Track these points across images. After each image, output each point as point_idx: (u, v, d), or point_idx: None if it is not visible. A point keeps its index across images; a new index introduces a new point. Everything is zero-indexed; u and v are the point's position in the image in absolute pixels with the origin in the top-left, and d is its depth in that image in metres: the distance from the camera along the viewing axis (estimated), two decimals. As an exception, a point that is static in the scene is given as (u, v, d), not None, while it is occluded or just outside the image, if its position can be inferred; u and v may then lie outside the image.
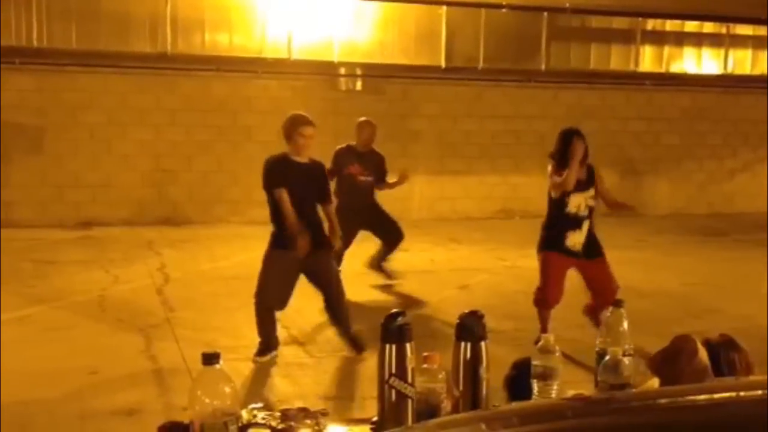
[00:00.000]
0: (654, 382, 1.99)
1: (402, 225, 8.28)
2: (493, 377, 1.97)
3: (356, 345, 5.82)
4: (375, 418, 1.91)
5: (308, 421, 1.90)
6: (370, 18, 12.16)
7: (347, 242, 7.23)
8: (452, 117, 12.94)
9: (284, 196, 5.53)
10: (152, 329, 6.43)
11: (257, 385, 5.33)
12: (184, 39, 11.42)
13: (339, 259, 7.14)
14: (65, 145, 11.38)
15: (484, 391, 1.94)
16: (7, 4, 10.61)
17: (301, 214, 5.57)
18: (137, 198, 11.72)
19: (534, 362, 1.96)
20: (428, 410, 1.86)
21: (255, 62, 11.65)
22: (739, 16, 13.11)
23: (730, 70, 13.94)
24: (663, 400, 1.54)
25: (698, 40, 13.82)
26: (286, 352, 5.93)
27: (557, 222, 6.04)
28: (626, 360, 1.96)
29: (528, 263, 9.52)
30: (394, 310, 1.88)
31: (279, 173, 5.63)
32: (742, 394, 1.50)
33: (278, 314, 5.91)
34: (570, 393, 1.96)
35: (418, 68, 12.39)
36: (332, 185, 6.84)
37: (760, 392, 1.48)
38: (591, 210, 6.08)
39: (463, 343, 1.94)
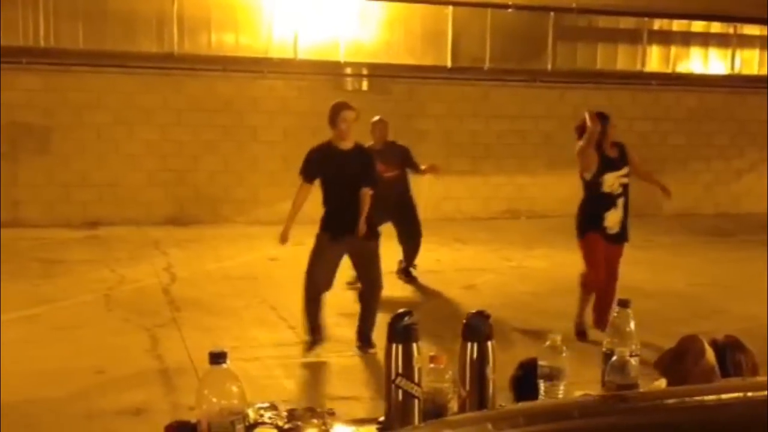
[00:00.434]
0: (661, 383, 1.99)
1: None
2: (499, 377, 1.97)
3: (368, 343, 5.85)
4: (382, 418, 1.91)
5: (315, 421, 1.90)
6: (376, 18, 12.16)
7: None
8: (458, 117, 12.93)
9: (304, 188, 5.82)
10: (159, 329, 6.44)
11: (264, 384, 5.33)
12: (191, 39, 11.43)
13: None
14: (72, 144, 11.41)
15: (490, 391, 1.94)
16: (14, 4, 10.63)
17: (342, 200, 5.72)
18: (144, 198, 11.74)
19: (541, 362, 1.96)
20: (435, 410, 1.86)
21: (261, 62, 11.66)
22: (746, 16, 13.07)
23: (737, 70, 13.90)
24: (670, 401, 1.54)
25: (705, 40, 13.78)
26: (292, 352, 5.94)
27: (594, 203, 6.13)
28: (633, 360, 1.96)
29: (534, 263, 9.55)
30: (401, 310, 1.88)
31: (315, 162, 5.80)
32: (749, 394, 1.50)
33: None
34: (577, 393, 1.96)
35: (424, 68, 12.38)
36: None
37: (767, 393, 1.47)
38: (625, 188, 6.15)
39: (469, 343, 1.94)
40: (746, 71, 13.95)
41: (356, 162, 5.79)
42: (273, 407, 1.95)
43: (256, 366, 5.59)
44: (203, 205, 11.95)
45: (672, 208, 13.59)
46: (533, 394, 1.96)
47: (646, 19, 13.22)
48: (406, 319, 1.86)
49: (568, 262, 9.51)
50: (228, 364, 1.68)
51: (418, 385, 1.84)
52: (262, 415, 1.90)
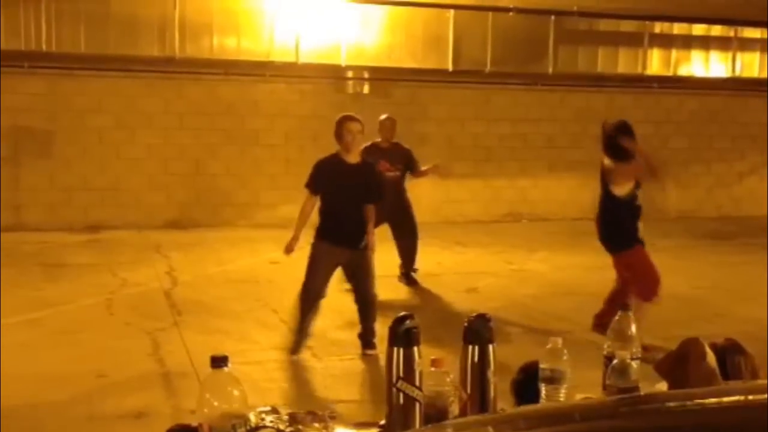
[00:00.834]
0: (662, 386, 1.99)
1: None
2: (500, 381, 1.97)
3: (369, 345, 5.89)
4: (383, 422, 1.91)
5: (316, 425, 1.90)
6: (378, 21, 12.17)
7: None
8: (460, 120, 12.94)
9: (311, 200, 5.86)
10: (160, 332, 6.44)
11: (265, 387, 5.33)
12: (192, 43, 11.45)
13: None
14: (74, 148, 11.43)
15: (491, 395, 1.94)
16: (16, 9, 10.65)
17: (344, 212, 5.76)
18: (145, 201, 11.75)
19: (542, 366, 1.96)
20: (436, 414, 1.86)
21: (263, 66, 11.67)
22: (747, 19, 13.07)
23: (738, 73, 13.90)
24: (671, 404, 1.54)
25: (706, 43, 13.79)
26: (295, 356, 5.93)
27: (631, 215, 6.10)
28: (634, 364, 1.96)
29: (535, 266, 9.55)
30: (402, 314, 1.88)
31: (322, 175, 5.83)
32: (750, 397, 1.50)
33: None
34: (578, 396, 1.96)
35: (425, 71, 12.39)
36: None
37: (768, 396, 1.47)
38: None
39: (470, 347, 1.94)
40: (747, 74, 13.95)
41: (362, 177, 5.84)
42: (274, 411, 1.95)
43: (257, 369, 5.59)
44: (205, 209, 11.96)
45: (673, 210, 13.63)
46: (534, 397, 1.96)
47: (647, 22, 13.22)
48: (408, 322, 1.86)
49: (569, 265, 9.55)
50: (229, 368, 1.68)
51: (419, 388, 1.84)
52: (263, 419, 1.90)
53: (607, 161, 6.15)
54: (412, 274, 8.34)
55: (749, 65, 13.99)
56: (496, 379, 1.94)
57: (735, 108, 14.20)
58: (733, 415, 1.42)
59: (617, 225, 6.15)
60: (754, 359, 2.09)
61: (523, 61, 12.88)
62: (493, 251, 10.43)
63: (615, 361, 1.93)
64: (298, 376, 5.67)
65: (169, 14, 11.23)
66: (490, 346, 1.94)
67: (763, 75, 13.96)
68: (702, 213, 14.01)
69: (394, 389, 1.84)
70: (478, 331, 1.95)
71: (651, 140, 13.72)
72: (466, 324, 1.96)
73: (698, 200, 14.20)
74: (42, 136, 11.29)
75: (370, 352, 5.87)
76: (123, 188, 11.68)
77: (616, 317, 2.12)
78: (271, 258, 8.88)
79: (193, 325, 6.66)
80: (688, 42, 13.72)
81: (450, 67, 12.40)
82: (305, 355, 5.98)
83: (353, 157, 5.83)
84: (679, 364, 1.97)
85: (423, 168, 8.35)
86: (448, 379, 1.89)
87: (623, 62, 13.38)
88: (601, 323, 5.94)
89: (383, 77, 12.31)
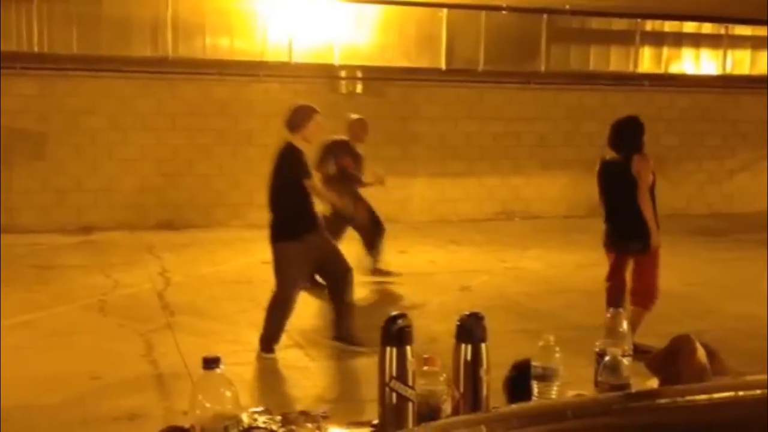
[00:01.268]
0: (653, 383, 1.99)
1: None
2: (493, 379, 1.97)
3: (351, 341, 5.90)
4: (376, 421, 1.91)
5: (309, 425, 1.90)
6: (371, 21, 12.17)
7: (338, 238, 7.33)
8: (453, 119, 12.95)
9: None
10: (153, 334, 6.43)
11: (258, 388, 5.33)
12: (185, 43, 11.43)
13: None
14: (66, 150, 11.40)
15: (484, 393, 1.94)
16: (8, 10, 10.62)
17: (308, 200, 5.76)
18: (138, 202, 11.73)
19: (534, 363, 1.97)
20: (429, 413, 1.86)
21: (256, 66, 11.66)
22: (738, 17, 13.11)
23: (729, 70, 13.95)
24: (662, 400, 1.54)
25: (697, 40, 13.83)
26: (286, 356, 5.94)
27: (654, 214, 5.94)
28: (626, 361, 1.97)
29: (528, 264, 9.56)
30: (395, 313, 1.88)
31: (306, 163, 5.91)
32: (741, 393, 1.51)
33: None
34: (570, 394, 1.96)
35: (418, 71, 12.40)
36: (317, 176, 6.82)
37: (759, 392, 1.48)
38: None
39: (463, 345, 1.94)
40: (738, 71, 14.00)
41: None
42: (267, 411, 1.95)
43: (250, 370, 5.59)
44: (198, 210, 11.94)
45: (665, 208, 13.66)
46: (527, 395, 1.97)
47: (638, 20, 13.26)
48: (400, 321, 1.86)
49: (562, 263, 9.57)
50: (222, 369, 1.69)
51: (412, 387, 1.85)
52: (256, 420, 1.90)
53: (620, 156, 5.94)
54: (379, 266, 8.30)
55: (740, 62, 14.04)
56: (489, 377, 1.95)
57: (726, 105, 14.25)
58: (724, 411, 1.43)
59: (645, 223, 5.90)
60: (723, 361, 2.07)
61: (516, 60, 12.90)
62: (486, 249, 10.44)
63: (607, 358, 1.93)
64: (290, 375, 5.67)
65: (161, 15, 11.21)
66: (483, 345, 1.95)
67: (754, 72, 14.01)
68: (693, 210, 14.05)
69: (387, 388, 1.84)
70: (471, 329, 1.95)
71: (643, 138, 13.79)
72: (458, 322, 1.96)
73: (689, 197, 14.24)
74: (34, 137, 11.26)
75: (358, 348, 5.88)
76: (116, 189, 11.65)
77: (608, 315, 2.13)
78: (265, 258, 8.83)
79: (186, 326, 6.65)
80: (679, 40, 13.76)
81: (443, 66, 12.41)
82: (298, 355, 5.98)
83: (305, 146, 5.91)
84: (670, 360, 1.98)
85: (365, 180, 8.13)
86: (440, 378, 1.89)
87: (615, 60, 13.41)
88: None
89: (376, 76, 12.31)
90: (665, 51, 13.69)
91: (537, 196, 13.51)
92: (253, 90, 11.96)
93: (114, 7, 11.16)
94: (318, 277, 6.51)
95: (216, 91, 11.86)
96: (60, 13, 10.94)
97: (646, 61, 13.58)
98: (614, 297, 5.90)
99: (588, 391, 1.98)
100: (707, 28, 13.73)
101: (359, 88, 12.38)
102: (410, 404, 1.84)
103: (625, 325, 2.10)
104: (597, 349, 2.04)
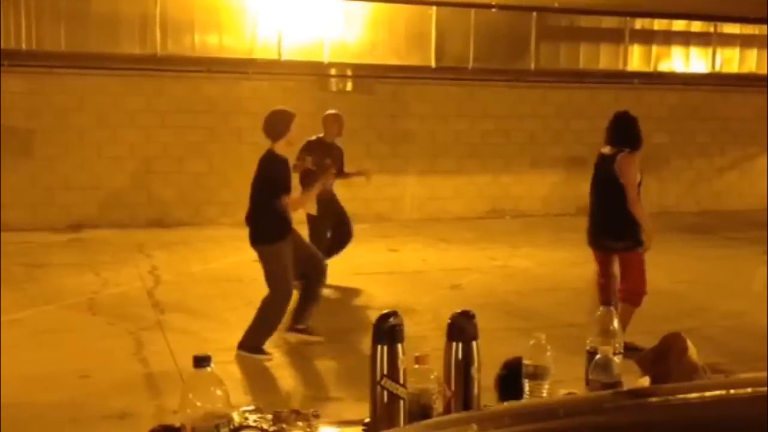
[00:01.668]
0: (644, 381, 2.00)
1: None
2: (484, 377, 1.97)
3: (310, 332, 6.07)
4: (367, 420, 1.91)
5: (300, 423, 1.90)
6: (361, 18, 12.16)
7: (322, 242, 7.37)
8: (443, 117, 12.95)
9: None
10: (143, 332, 6.41)
11: (248, 387, 5.32)
12: (174, 40, 11.38)
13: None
14: (55, 147, 11.34)
15: (475, 391, 1.95)
16: (-5, 7, 10.56)
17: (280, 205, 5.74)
18: (127, 200, 11.68)
19: (525, 362, 1.97)
20: (420, 411, 1.86)
21: (245, 63, 11.63)
22: (727, 15, 13.17)
23: (718, 68, 13.99)
24: (654, 399, 1.55)
25: (686, 38, 13.87)
26: (277, 354, 5.93)
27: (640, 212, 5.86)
28: (617, 359, 1.97)
29: (519, 262, 9.58)
30: (386, 311, 1.88)
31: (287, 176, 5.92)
32: (732, 392, 1.51)
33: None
34: (561, 392, 1.97)
35: (408, 68, 12.40)
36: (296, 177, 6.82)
37: (750, 390, 1.48)
38: None
39: (454, 343, 1.94)
40: (727, 70, 14.05)
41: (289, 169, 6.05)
42: (258, 410, 1.95)
43: (241, 369, 5.58)
44: (188, 208, 11.91)
45: (654, 205, 13.72)
46: (518, 393, 1.97)
47: (627, 18, 13.29)
48: (392, 319, 1.86)
49: (552, 261, 9.59)
50: (212, 368, 1.68)
51: (404, 386, 1.84)
52: (246, 418, 1.89)
53: (612, 150, 5.88)
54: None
55: (729, 61, 14.09)
56: (480, 375, 1.95)
57: (715, 103, 14.31)
58: (715, 410, 1.43)
59: (634, 222, 5.83)
60: (691, 358, 2.06)
61: (506, 58, 12.91)
62: (476, 248, 10.45)
63: (598, 357, 1.94)
64: (281, 374, 5.66)
65: (150, 12, 11.16)
66: (474, 343, 1.95)
67: (743, 70, 14.06)
68: (683, 207, 14.11)
69: (378, 387, 1.84)
70: (462, 327, 1.95)
71: (633, 136, 13.82)
72: (449, 321, 1.97)
73: (679, 195, 14.30)
74: (23, 135, 11.19)
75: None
76: (105, 187, 11.61)
77: (599, 312, 2.14)
78: (255, 256, 8.84)
79: (176, 324, 6.63)
80: (668, 38, 13.80)
81: (433, 64, 12.40)
82: (290, 354, 5.98)
83: (288, 150, 5.93)
84: (662, 358, 1.98)
85: (347, 171, 8.13)
86: (432, 376, 1.89)
87: (604, 58, 13.43)
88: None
89: (366, 74, 12.30)
90: (654, 49, 13.72)
91: (527, 194, 13.54)
92: (242, 87, 11.93)
93: (102, 4, 11.10)
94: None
95: (205, 88, 11.82)
96: (48, 10, 10.87)
97: (636, 59, 13.62)
98: (606, 294, 5.92)
99: (579, 390, 1.99)
100: (697, 26, 13.77)
101: (349, 85, 12.38)
102: (401, 402, 1.84)
103: (616, 323, 2.10)
104: (588, 348, 2.04)
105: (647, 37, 13.68)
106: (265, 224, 5.78)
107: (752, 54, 14.07)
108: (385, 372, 1.83)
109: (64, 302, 7.35)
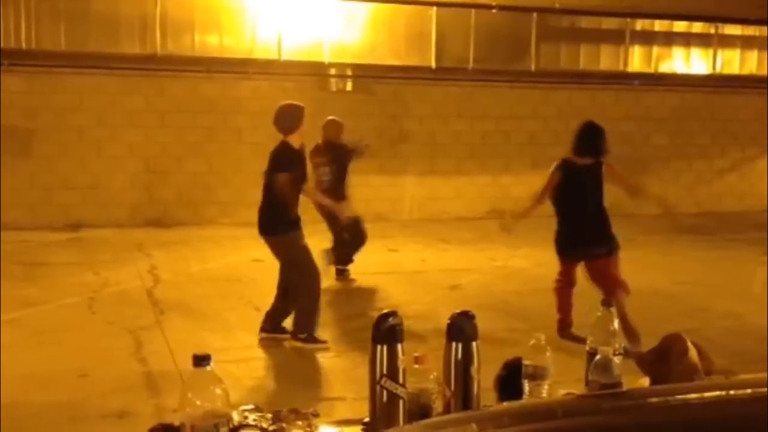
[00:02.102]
0: (644, 382, 2.00)
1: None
2: (484, 377, 1.97)
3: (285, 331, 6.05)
4: (366, 419, 1.91)
5: (299, 423, 1.90)
6: (361, 19, 12.16)
7: (344, 246, 7.52)
8: (442, 117, 12.95)
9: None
10: (142, 331, 6.40)
11: (248, 386, 5.32)
12: (174, 40, 11.39)
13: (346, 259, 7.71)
14: (54, 147, 11.34)
15: (475, 392, 1.94)
16: (-5, 6, 10.56)
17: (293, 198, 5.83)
18: (127, 200, 11.68)
19: (525, 362, 1.97)
20: (420, 411, 1.86)
21: (245, 63, 11.63)
22: (728, 16, 13.17)
23: (718, 70, 14.00)
24: (654, 400, 1.54)
25: (687, 40, 13.88)
26: (277, 353, 5.93)
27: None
28: (617, 359, 1.97)
29: (518, 263, 9.57)
30: (386, 311, 1.88)
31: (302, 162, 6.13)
32: (732, 392, 1.51)
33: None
34: (561, 392, 1.96)
35: (408, 69, 12.40)
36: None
37: (750, 391, 1.48)
38: None
39: (454, 344, 1.94)
40: (727, 71, 14.06)
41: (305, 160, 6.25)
42: (257, 409, 1.94)
43: (240, 368, 5.57)
44: (187, 207, 11.91)
45: (654, 207, 13.71)
46: (518, 393, 1.97)
47: (628, 19, 13.29)
48: (391, 319, 1.86)
49: (551, 262, 9.54)
50: (212, 367, 1.68)
51: (403, 385, 1.84)
52: (246, 418, 1.89)
53: (590, 160, 6.05)
54: (343, 268, 8.24)
55: (729, 62, 14.09)
56: (480, 375, 1.95)
57: (715, 105, 14.31)
58: (715, 411, 1.43)
59: (610, 226, 5.95)
60: (691, 358, 2.06)
61: (506, 59, 12.91)
62: (476, 248, 10.45)
63: (597, 357, 1.93)
64: (281, 373, 5.66)
65: (150, 11, 11.17)
66: (474, 343, 1.95)
67: (744, 72, 14.07)
68: (683, 209, 14.09)
69: (378, 386, 1.84)
70: (462, 328, 1.95)
71: (632, 137, 13.83)
72: (449, 321, 1.96)
73: (679, 196, 14.28)
74: (22, 134, 11.19)
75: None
76: (104, 187, 11.61)
77: (598, 313, 2.13)
78: (254, 256, 8.84)
79: (175, 323, 6.63)
80: (669, 39, 13.81)
81: (433, 65, 12.41)
82: (289, 353, 5.97)
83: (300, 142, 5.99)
84: (662, 359, 1.98)
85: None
86: (431, 376, 1.89)
87: (605, 59, 13.44)
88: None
89: (366, 74, 12.30)
90: (655, 50, 13.73)
91: (527, 194, 13.46)
92: (242, 87, 11.93)
93: (102, 4, 11.11)
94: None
95: (205, 88, 11.82)
96: (48, 9, 10.88)
97: (636, 60, 13.62)
98: (567, 300, 5.97)
99: (579, 390, 1.98)
100: (697, 27, 13.78)
101: (349, 86, 12.38)
102: (401, 402, 1.84)
103: (615, 323, 2.10)
104: (588, 348, 2.04)
105: (648, 38, 13.69)
106: (279, 215, 5.78)
107: (753, 55, 14.07)
108: (385, 372, 1.83)
109: (63, 301, 7.34)
